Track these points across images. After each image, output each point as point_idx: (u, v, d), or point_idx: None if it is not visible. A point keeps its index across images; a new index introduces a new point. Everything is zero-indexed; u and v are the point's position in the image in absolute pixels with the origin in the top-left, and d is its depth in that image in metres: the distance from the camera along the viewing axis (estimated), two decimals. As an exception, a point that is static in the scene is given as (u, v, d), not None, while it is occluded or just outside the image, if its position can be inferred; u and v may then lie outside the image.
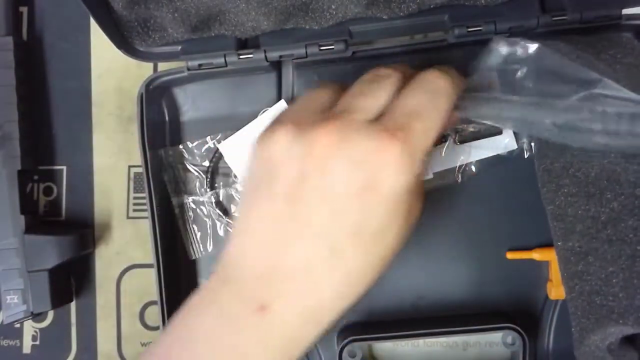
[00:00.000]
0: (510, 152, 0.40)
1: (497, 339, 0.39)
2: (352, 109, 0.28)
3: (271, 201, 0.27)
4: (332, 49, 0.38)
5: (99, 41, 0.43)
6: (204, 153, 0.41)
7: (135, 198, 0.43)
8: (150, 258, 0.39)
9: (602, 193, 0.32)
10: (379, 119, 0.27)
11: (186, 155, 0.42)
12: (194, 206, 0.42)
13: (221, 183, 0.42)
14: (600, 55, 0.32)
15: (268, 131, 0.28)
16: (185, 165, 0.42)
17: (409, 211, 0.27)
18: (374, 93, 0.29)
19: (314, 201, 0.26)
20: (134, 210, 0.43)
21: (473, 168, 0.40)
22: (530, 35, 0.38)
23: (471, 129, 0.38)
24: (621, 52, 0.32)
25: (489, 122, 0.32)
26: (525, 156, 0.39)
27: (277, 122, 0.29)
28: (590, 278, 0.32)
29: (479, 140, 0.39)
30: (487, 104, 0.31)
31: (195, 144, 0.41)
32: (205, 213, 0.42)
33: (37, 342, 0.44)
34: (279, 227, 0.26)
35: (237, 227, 0.29)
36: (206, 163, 0.41)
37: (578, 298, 0.33)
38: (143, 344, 0.43)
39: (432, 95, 0.29)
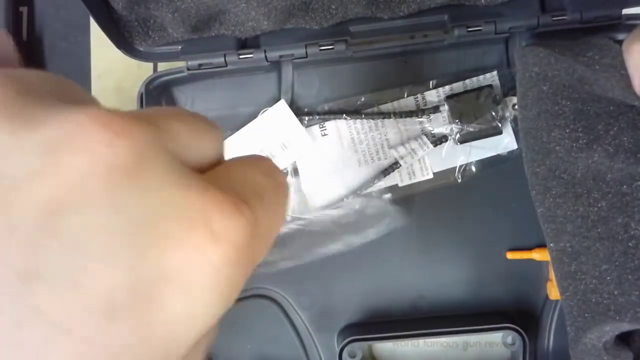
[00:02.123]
0: (510, 152, 0.40)
1: (497, 339, 0.39)
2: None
3: None
4: (332, 49, 0.38)
5: (99, 41, 0.43)
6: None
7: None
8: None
9: (589, 193, 0.32)
10: None
11: (186, 155, 0.41)
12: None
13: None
14: (578, 57, 0.32)
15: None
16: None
17: None
18: None
19: None
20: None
21: (473, 168, 0.40)
22: (530, 36, 0.38)
23: (471, 129, 0.38)
24: (598, 53, 0.32)
25: None
26: (525, 156, 0.40)
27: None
28: (584, 277, 0.32)
29: (479, 140, 0.39)
30: None
31: (195, 144, 0.41)
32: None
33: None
34: None
35: None
36: (206, 163, 0.41)
37: (573, 297, 0.33)
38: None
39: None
